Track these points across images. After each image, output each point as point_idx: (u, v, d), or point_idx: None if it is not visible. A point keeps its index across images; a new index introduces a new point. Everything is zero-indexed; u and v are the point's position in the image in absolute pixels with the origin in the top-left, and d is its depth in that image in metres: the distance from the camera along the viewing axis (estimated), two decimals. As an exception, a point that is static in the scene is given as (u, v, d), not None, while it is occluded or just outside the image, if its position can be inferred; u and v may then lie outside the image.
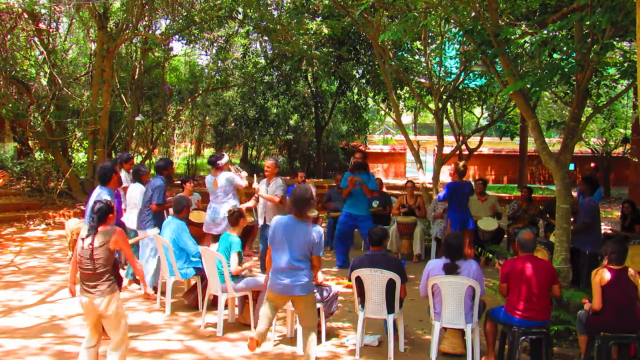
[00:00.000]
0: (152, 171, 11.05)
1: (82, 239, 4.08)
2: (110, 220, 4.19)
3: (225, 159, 7.70)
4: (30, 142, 14.89)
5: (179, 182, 12.17)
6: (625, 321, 4.41)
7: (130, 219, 7.04)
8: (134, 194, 7.03)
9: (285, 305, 4.80)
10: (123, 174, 7.90)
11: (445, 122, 11.98)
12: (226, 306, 5.66)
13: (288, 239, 4.39)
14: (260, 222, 7.48)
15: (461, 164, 8.31)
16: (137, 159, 15.69)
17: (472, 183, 8.73)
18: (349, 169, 8.39)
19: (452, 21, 7.36)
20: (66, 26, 15.63)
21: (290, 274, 4.37)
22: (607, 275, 4.41)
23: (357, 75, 14.79)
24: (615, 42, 6.04)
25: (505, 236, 9.07)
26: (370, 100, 17.79)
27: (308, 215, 4.46)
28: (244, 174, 8.06)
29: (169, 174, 6.88)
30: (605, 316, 4.42)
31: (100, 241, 4.03)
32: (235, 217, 5.74)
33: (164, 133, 17.61)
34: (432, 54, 10.80)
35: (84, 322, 4.18)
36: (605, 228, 11.17)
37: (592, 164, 19.88)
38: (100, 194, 5.56)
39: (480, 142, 13.32)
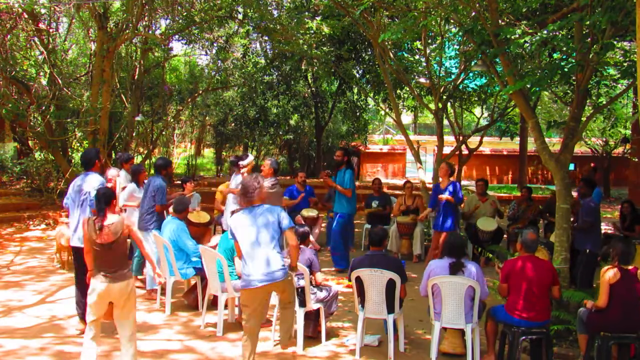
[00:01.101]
0: (152, 171, 11.04)
1: (94, 222, 4.14)
2: (113, 207, 4.33)
3: (247, 161, 7.50)
4: (30, 142, 14.89)
5: (178, 182, 12.16)
6: (629, 320, 4.43)
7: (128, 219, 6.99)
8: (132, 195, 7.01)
9: (265, 302, 4.41)
10: (123, 173, 7.90)
11: (445, 122, 11.98)
12: (226, 306, 5.66)
13: (253, 229, 4.28)
14: None
15: (453, 164, 8.43)
16: (137, 159, 15.70)
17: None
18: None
19: (452, 21, 7.36)
20: (66, 26, 15.63)
21: (266, 262, 4.24)
22: (616, 274, 4.43)
23: (357, 75, 14.79)
24: (615, 42, 6.04)
25: (505, 236, 9.07)
26: (370, 100, 17.79)
27: (261, 199, 4.37)
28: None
29: (167, 173, 6.86)
30: (610, 314, 4.44)
31: (115, 227, 4.15)
32: None
33: (164, 133, 17.62)
34: (432, 54, 10.79)
35: (92, 315, 4.16)
36: (605, 228, 11.17)
37: (592, 164, 19.88)
38: (91, 179, 5.35)
39: (480, 142, 13.32)
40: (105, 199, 4.23)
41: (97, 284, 4.13)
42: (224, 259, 5.43)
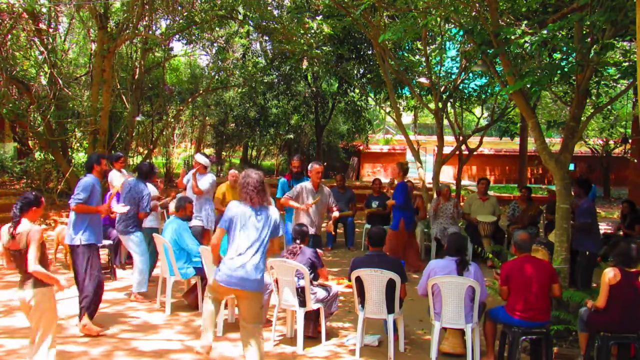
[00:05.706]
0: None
1: (8, 228, 4.08)
2: (34, 213, 4.19)
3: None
4: (30, 142, 14.89)
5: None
6: (629, 320, 4.43)
7: None
8: None
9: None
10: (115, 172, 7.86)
11: (445, 122, 11.98)
12: (226, 306, 5.66)
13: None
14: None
15: (405, 163, 8.46)
16: (137, 159, 15.70)
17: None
18: (288, 176, 8.40)
19: (452, 21, 7.36)
20: (66, 26, 15.63)
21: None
22: (617, 275, 4.42)
23: (358, 75, 14.80)
24: (615, 42, 6.04)
25: (506, 236, 9.06)
26: (370, 100, 17.80)
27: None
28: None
29: (150, 179, 6.83)
30: (609, 315, 4.44)
31: (20, 236, 4.05)
32: None
33: (164, 133, 17.61)
34: (432, 54, 10.80)
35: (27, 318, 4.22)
36: (605, 228, 11.17)
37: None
38: (80, 182, 5.50)
39: (480, 142, 13.33)
40: (22, 206, 4.11)
41: (17, 290, 4.15)
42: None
